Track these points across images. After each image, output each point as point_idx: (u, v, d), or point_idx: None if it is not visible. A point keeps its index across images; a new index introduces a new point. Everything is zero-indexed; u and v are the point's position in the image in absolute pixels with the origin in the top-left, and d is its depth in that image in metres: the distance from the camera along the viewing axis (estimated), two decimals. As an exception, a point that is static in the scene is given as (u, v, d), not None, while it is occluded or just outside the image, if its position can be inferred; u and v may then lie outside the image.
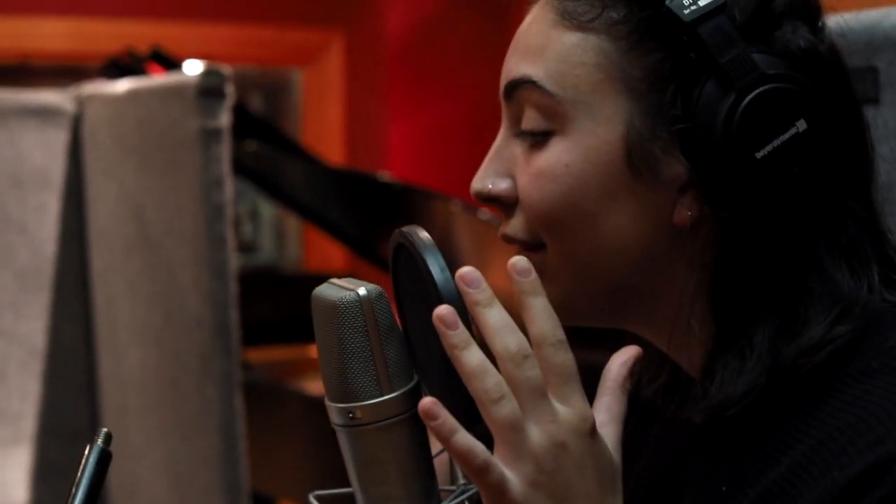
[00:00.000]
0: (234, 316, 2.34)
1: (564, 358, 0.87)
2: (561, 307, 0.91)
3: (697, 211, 0.95)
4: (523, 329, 0.88)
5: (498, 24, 5.79)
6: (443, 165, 5.57)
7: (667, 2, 0.93)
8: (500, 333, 0.86)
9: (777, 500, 0.89)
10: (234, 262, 2.36)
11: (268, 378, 3.90)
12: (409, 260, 0.94)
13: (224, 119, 2.32)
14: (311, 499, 0.99)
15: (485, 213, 3.80)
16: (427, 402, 0.84)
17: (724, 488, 0.95)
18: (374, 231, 4.54)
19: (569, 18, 0.97)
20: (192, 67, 4.25)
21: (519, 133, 1.01)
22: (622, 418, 0.92)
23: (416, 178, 4.82)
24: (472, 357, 0.85)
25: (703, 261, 0.97)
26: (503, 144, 1.02)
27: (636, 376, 0.96)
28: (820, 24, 0.98)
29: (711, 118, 0.92)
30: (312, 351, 4.89)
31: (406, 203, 4.32)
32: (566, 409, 0.86)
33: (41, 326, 2.83)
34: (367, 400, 0.91)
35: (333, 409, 0.92)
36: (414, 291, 0.94)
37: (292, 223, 6.22)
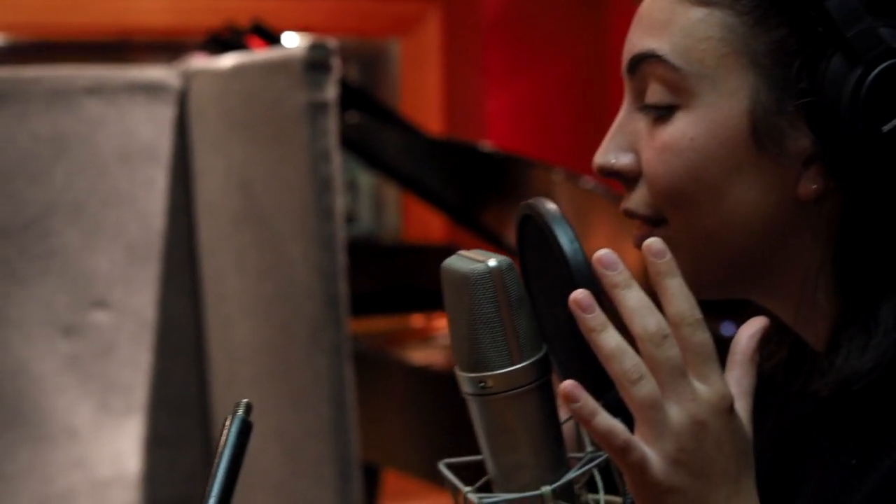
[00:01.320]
0: (343, 287, 2.37)
1: (702, 337, 0.88)
2: (685, 282, 0.92)
3: (823, 184, 0.96)
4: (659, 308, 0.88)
5: (595, -8, 5.79)
6: (540, 135, 5.57)
7: None
8: (639, 314, 0.87)
9: None
10: (343, 234, 2.38)
11: (371, 348, 3.93)
12: (536, 232, 0.94)
13: (331, 92, 2.34)
14: (442, 467, 1.00)
15: (588, 181, 3.80)
16: (568, 384, 0.85)
17: (853, 461, 0.95)
18: (475, 200, 4.55)
19: None
20: (292, 40, 4.29)
21: (643, 107, 1.01)
22: (752, 392, 0.93)
23: (514, 147, 4.83)
24: (609, 339, 0.86)
25: (828, 234, 0.97)
26: (626, 119, 1.02)
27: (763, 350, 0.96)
28: None
29: (838, 92, 0.92)
30: (413, 320, 4.93)
31: (506, 172, 4.33)
32: (705, 387, 0.87)
33: (151, 299, 2.87)
34: (498, 369, 0.92)
35: (464, 378, 0.93)
36: (540, 263, 0.94)
37: (391, 193, 6.25)
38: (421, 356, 4.30)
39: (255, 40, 4.04)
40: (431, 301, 5.17)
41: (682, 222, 0.99)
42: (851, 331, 0.95)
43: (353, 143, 4.11)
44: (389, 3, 5.54)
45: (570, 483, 0.96)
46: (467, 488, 0.96)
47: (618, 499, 0.97)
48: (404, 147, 4.47)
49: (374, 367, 3.71)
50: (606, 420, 0.86)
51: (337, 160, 2.35)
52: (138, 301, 2.86)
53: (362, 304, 4.35)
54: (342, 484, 2.41)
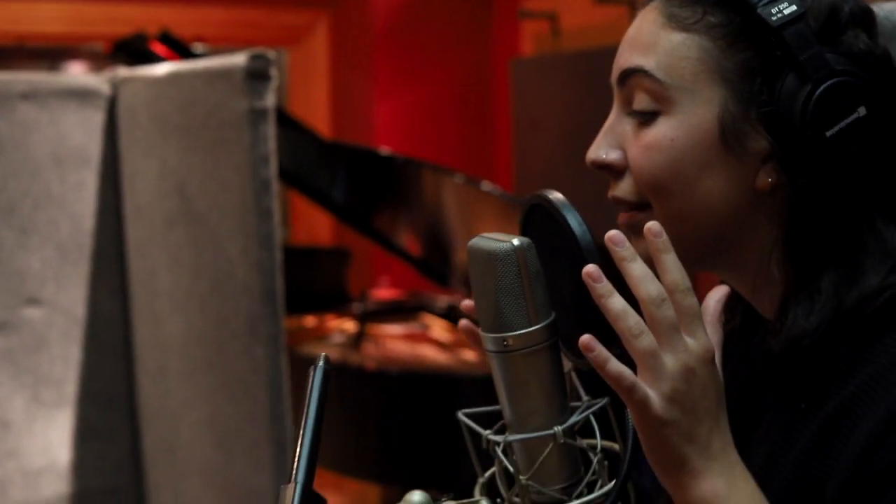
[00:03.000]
0: (279, 282, 2.52)
1: (692, 301, 1.08)
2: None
3: (776, 178, 1.17)
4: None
5: (480, 3, 5.98)
6: (427, 141, 5.75)
7: (758, 10, 1.14)
8: (643, 282, 1.07)
9: (850, 413, 1.11)
10: (279, 233, 2.54)
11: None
12: (546, 217, 1.13)
13: (270, 100, 2.50)
14: (461, 415, 1.19)
15: (486, 184, 4.00)
16: (586, 338, 1.05)
17: (802, 406, 1.16)
18: (369, 202, 4.72)
19: (675, 21, 1.19)
20: (199, 49, 4.42)
21: (630, 112, 1.21)
22: (721, 345, 1.14)
23: (401, 153, 5.00)
24: (616, 302, 1.06)
25: (780, 219, 1.18)
26: (615, 121, 1.23)
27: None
28: (875, 31, 1.20)
29: (791, 103, 1.14)
30: (306, 321, 5.07)
31: (401, 176, 4.51)
32: (694, 341, 1.07)
33: (81, 296, 2.99)
34: (518, 330, 1.11)
35: (489, 338, 1.12)
36: (549, 244, 1.13)
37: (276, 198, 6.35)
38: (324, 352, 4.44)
39: (161, 48, 4.16)
40: (323, 302, 5.32)
41: (662, 207, 1.20)
42: (799, 298, 1.17)
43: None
44: (279, 13, 5.67)
45: (572, 426, 1.15)
46: (487, 432, 1.15)
47: (609, 442, 1.16)
48: (296, 148, 4.60)
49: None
50: (617, 366, 1.06)
51: (274, 164, 2.50)
52: (69, 298, 2.98)
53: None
54: (278, 467, 2.56)
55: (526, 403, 1.14)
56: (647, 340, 1.06)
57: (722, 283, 1.24)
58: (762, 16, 1.14)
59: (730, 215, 1.19)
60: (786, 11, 1.14)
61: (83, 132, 2.98)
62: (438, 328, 4.90)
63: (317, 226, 5.90)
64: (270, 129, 2.49)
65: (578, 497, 1.15)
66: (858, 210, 1.16)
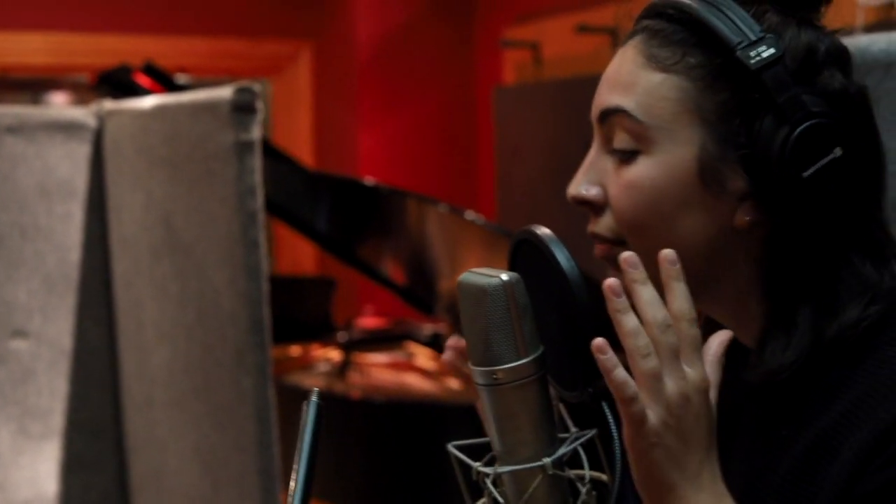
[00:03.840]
0: (266, 313, 2.54)
1: (695, 332, 1.12)
2: None
3: (754, 216, 1.20)
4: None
5: (463, 33, 6.02)
6: (410, 171, 5.78)
7: (737, 53, 1.17)
8: (650, 306, 1.11)
9: (832, 439, 1.13)
10: (266, 264, 2.55)
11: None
12: (534, 252, 1.16)
13: (255, 132, 2.51)
14: (451, 448, 1.21)
15: (470, 213, 4.03)
16: (599, 340, 1.08)
17: (784, 432, 1.19)
18: (353, 232, 4.74)
19: (655, 62, 1.21)
20: (182, 80, 4.44)
21: (611, 151, 1.24)
22: (718, 384, 1.16)
23: (385, 183, 5.03)
24: (630, 320, 1.09)
25: (757, 256, 1.22)
26: (596, 158, 1.26)
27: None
28: (850, 69, 1.22)
29: (769, 145, 1.17)
30: (291, 350, 5.08)
31: (385, 205, 4.53)
32: (692, 370, 1.11)
33: (68, 328, 3.00)
34: (508, 363, 1.13)
35: (478, 372, 1.14)
36: (537, 278, 1.16)
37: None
38: (307, 382, 4.47)
39: (146, 80, 4.18)
40: (308, 331, 5.34)
41: (640, 245, 1.22)
42: (776, 332, 1.20)
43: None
44: (262, 43, 5.71)
45: (561, 457, 1.18)
46: (477, 464, 1.17)
47: (598, 473, 1.19)
48: (279, 179, 4.62)
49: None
50: (623, 373, 1.09)
51: (261, 195, 2.52)
52: (55, 330, 2.99)
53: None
54: (266, 496, 2.57)
55: (515, 435, 1.16)
56: (652, 362, 1.09)
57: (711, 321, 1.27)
58: (741, 59, 1.17)
59: (708, 252, 1.22)
60: (764, 55, 1.16)
61: (69, 165, 2.99)
62: (423, 357, 4.92)
63: (301, 255, 5.92)
64: (256, 161, 2.51)
65: (567, 528, 1.17)
66: (835, 246, 1.19)
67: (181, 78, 4.49)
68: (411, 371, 4.79)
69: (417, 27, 5.80)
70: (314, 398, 1.04)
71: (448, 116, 5.90)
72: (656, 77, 1.21)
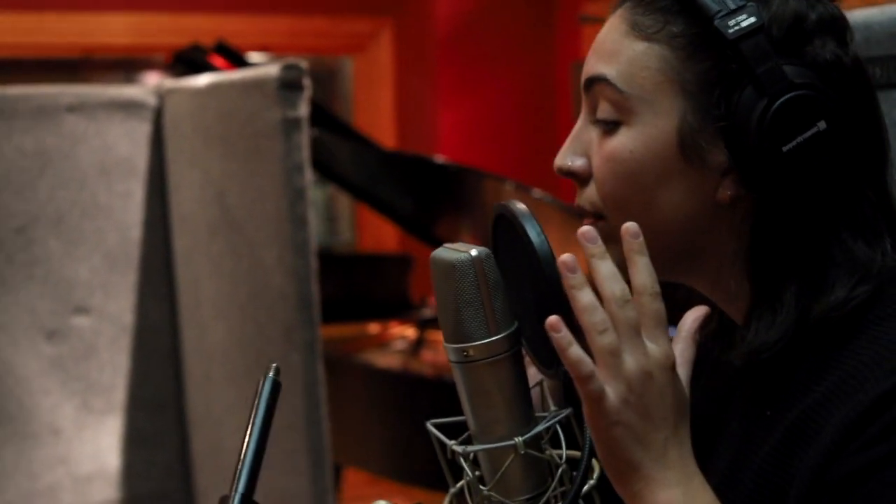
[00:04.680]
0: (314, 290, 2.55)
1: (658, 307, 1.07)
2: (623, 267, 1.13)
3: (735, 191, 1.15)
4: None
5: (542, 9, 5.98)
6: (490, 148, 5.76)
7: (715, 22, 1.12)
8: (608, 280, 1.07)
9: (812, 420, 1.09)
10: (314, 241, 2.56)
11: (332, 351, 4.09)
12: (509, 227, 1.14)
13: (303, 109, 2.52)
14: (429, 426, 1.19)
15: (537, 191, 4.00)
16: (553, 318, 1.04)
17: (768, 413, 1.15)
18: (428, 211, 4.73)
19: (638, 30, 1.17)
20: (255, 59, 4.46)
21: (594, 121, 1.20)
22: (692, 362, 1.13)
23: (465, 160, 5.02)
24: (586, 295, 1.06)
25: (740, 231, 1.17)
26: (582, 128, 1.22)
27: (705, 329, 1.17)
28: (847, 38, 1.17)
29: (747, 118, 1.12)
30: (370, 328, 5.10)
31: (459, 184, 4.52)
32: (655, 346, 1.06)
33: (129, 305, 3.04)
34: (478, 340, 1.11)
35: (450, 349, 1.12)
36: (511, 253, 1.14)
37: (344, 206, 6.40)
38: (382, 360, 4.48)
39: (219, 59, 4.21)
40: (387, 309, 5.35)
41: (620, 218, 1.16)
42: (760, 311, 1.15)
43: (321, 162, 4.28)
44: (343, 22, 5.72)
45: (539, 437, 1.15)
46: (452, 442, 1.16)
47: (575, 452, 1.16)
48: (359, 160, 4.63)
49: (337, 370, 3.87)
50: (579, 351, 1.04)
51: (308, 172, 2.53)
52: (117, 306, 3.03)
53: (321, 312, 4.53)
54: (315, 472, 2.59)
55: (488, 413, 1.14)
56: (609, 338, 1.05)
57: (688, 292, 1.24)
58: (719, 28, 1.12)
59: (691, 228, 1.18)
60: (743, 24, 1.12)
61: (129, 143, 3.02)
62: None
63: (383, 234, 5.93)
64: (304, 138, 2.52)
65: (542, 507, 1.14)
66: (823, 223, 1.14)
67: (254, 57, 4.51)
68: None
69: (497, 4, 5.77)
70: (271, 374, 1.03)
71: (527, 93, 5.87)
72: (639, 46, 1.17)
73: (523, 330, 1.15)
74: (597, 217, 1.21)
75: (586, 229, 1.08)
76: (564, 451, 1.14)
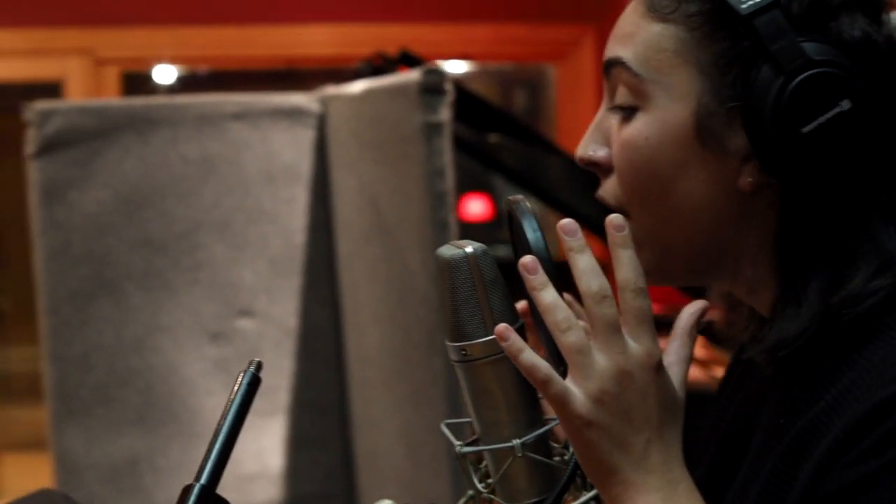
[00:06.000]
0: (456, 294, 2.54)
1: (642, 303, 1.02)
2: (652, 271, 1.09)
3: (757, 178, 1.08)
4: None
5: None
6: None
7: None
8: (585, 275, 1.03)
9: (817, 430, 1.02)
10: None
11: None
12: (516, 225, 1.11)
13: (445, 114, 2.51)
14: (443, 426, 1.17)
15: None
16: (500, 327, 1.02)
17: (781, 421, 1.08)
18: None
19: (654, 10, 1.12)
20: (453, 67, 4.48)
21: (612, 107, 1.16)
22: (688, 360, 1.08)
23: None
24: (547, 296, 1.02)
25: (764, 221, 1.10)
26: (603, 116, 1.17)
27: (704, 325, 1.11)
28: (880, 14, 1.08)
29: (763, 98, 1.05)
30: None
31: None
32: (636, 345, 1.02)
33: (292, 308, 3.09)
34: (476, 339, 1.08)
35: (450, 347, 1.10)
36: (521, 249, 1.11)
37: (554, 217, 6.37)
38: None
39: (405, 68, 4.24)
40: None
41: (641, 212, 1.13)
42: (784, 304, 1.08)
43: (512, 170, 4.27)
44: (545, 29, 5.70)
45: (546, 441, 1.12)
46: (458, 443, 1.13)
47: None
48: (563, 173, 4.60)
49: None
50: (531, 357, 1.01)
51: (451, 177, 2.52)
52: (281, 310, 3.09)
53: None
54: (456, 476, 2.58)
55: (491, 414, 1.11)
56: (574, 336, 1.01)
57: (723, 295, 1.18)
58: (731, 3, 1.06)
59: (712, 219, 1.11)
60: None
61: (294, 149, 3.08)
62: (696, 344, 4.80)
63: (589, 243, 5.89)
64: (446, 142, 2.51)
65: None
66: (849, 210, 1.07)
67: (459, 65, 4.52)
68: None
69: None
70: (252, 368, 1.03)
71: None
72: (655, 27, 1.11)
73: (539, 327, 1.11)
74: (618, 211, 1.16)
75: (566, 222, 1.04)
76: (572, 456, 1.10)
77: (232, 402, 1.00)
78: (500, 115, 4.36)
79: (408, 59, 4.21)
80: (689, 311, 1.09)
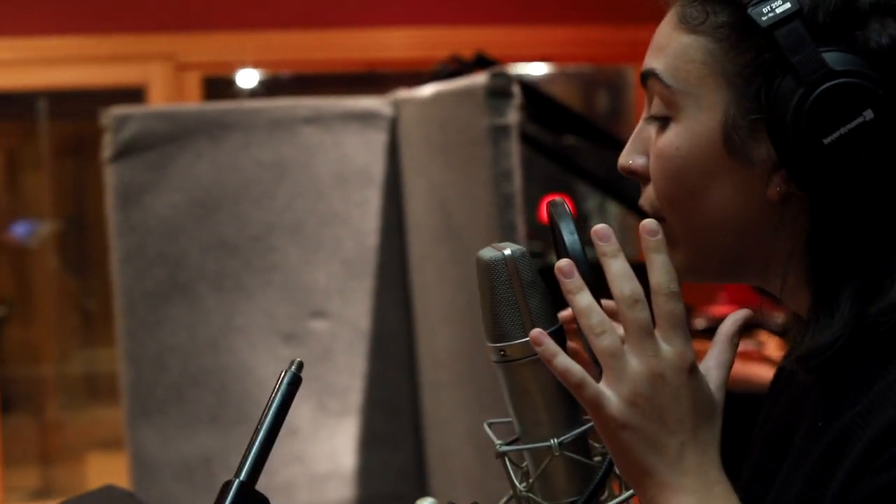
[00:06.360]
0: (523, 297, 2.55)
1: (675, 307, 1.03)
2: (685, 270, 1.10)
3: (785, 188, 1.08)
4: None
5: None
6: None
7: (748, 10, 1.07)
8: (619, 280, 1.04)
9: (853, 433, 1.02)
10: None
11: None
12: (556, 227, 1.13)
13: (511, 117, 2.53)
14: (485, 426, 1.19)
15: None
16: (535, 332, 1.04)
17: (819, 424, 1.08)
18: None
19: (685, 22, 1.13)
20: (536, 70, 4.47)
21: (648, 118, 1.17)
22: (728, 365, 1.09)
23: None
24: (582, 299, 1.04)
25: (794, 231, 1.10)
26: (643, 125, 1.18)
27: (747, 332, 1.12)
28: None
29: (785, 109, 1.05)
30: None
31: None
32: (669, 348, 1.03)
33: (366, 310, 3.12)
34: (515, 340, 1.10)
35: (490, 348, 1.12)
36: (559, 252, 1.13)
37: (634, 219, 6.36)
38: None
39: (481, 71, 4.25)
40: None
41: (675, 219, 1.14)
42: (817, 312, 1.09)
43: (591, 175, 4.27)
44: (624, 30, 5.68)
45: (585, 440, 1.13)
46: (499, 442, 1.15)
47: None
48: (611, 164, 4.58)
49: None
50: (565, 361, 1.03)
51: (518, 179, 2.53)
52: (354, 311, 3.12)
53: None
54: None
55: (531, 414, 1.13)
56: (608, 340, 1.03)
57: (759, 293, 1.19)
58: (752, 16, 1.07)
59: (742, 228, 1.12)
60: (778, 10, 1.05)
61: (366, 153, 3.11)
62: (773, 346, 4.77)
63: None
64: (513, 145, 2.53)
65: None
66: (880, 220, 1.07)
67: (539, 67, 4.53)
68: (760, 361, 4.66)
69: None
70: (293, 368, 1.05)
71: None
72: (685, 39, 1.12)
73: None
74: (656, 219, 1.17)
75: (600, 227, 1.06)
76: (607, 457, 1.12)
77: (273, 400, 1.02)
78: (576, 118, 4.35)
79: (483, 62, 4.23)
80: (733, 319, 1.10)
